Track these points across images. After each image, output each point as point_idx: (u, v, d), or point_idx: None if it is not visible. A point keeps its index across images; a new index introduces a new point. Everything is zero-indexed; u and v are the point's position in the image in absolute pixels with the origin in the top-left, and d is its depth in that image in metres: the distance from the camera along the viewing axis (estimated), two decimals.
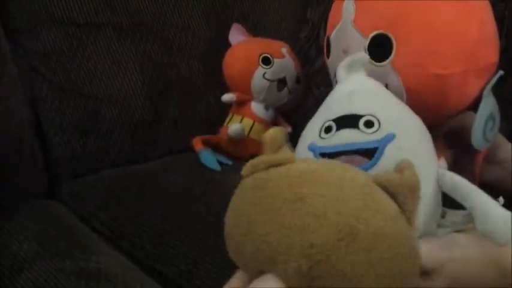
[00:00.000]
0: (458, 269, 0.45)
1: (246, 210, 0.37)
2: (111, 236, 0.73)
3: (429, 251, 0.44)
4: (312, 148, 0.47)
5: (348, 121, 0.46)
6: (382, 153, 0.44)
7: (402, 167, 0.39)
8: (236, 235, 0.38)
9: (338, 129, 0.46)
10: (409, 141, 0.46)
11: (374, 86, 0.51)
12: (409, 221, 0.38)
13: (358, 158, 0.44)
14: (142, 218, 0.74)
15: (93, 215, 0.76)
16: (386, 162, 0.44)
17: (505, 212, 0.43)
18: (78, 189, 0.82)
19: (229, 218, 0.39)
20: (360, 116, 0.46)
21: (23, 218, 0.73)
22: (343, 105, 0.48)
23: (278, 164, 0.39)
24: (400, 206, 0.37)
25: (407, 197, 0.38)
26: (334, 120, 0.47)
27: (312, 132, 0.49)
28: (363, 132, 0.45)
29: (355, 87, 0.49)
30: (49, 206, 0.79)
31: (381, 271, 0.35)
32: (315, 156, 0.46)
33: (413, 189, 0.38)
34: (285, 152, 0.40)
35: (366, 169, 0.43)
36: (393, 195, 0.38)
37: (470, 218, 0.45)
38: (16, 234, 0.69)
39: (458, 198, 0.45)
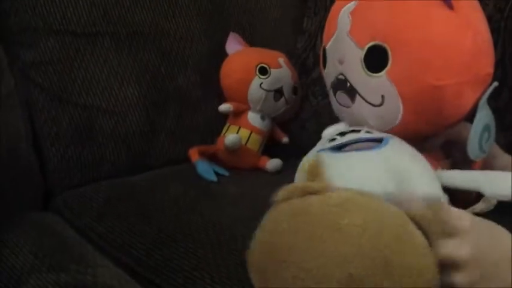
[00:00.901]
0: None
1: (284, 237, 0.37)
2: (107, 247, 0.72)
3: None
4: (321, 151, 0.50)
5: (350, 131, 0.51)
6: (387, 142, 0.49)
7: (434, 206, 0.41)
8: (270, 262, 0.38)
9: (344, 135, 0.51)
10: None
11: None
12: (435, 256, 0.40)
13: (369, 143, 0.49)
14: (139, 229, 0.73)
15: (89, 227, 0.76)
16: (392, 148, 0.49)
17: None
18: (74, 201, 0.82)
19: (263, 244, 0.39)
20: (359, 130, 0.51)
21: (19, 230, 0.72)
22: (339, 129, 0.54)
23: (315, 192, 0.39)
24: (428, 240, 0.40)
25: (436, 234, 0.40)
26: (337, 135, 0.52)
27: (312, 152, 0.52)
28: (367, 133, 0.51)
29: None
30: (45, 217, 0.79)
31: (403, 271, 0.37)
32: (325, 152, 0.49)
33: (443, 226, 0.40)
34: (322, 180, 0.41)
35: (379, 148, 0.48)
36: (423, 230, 0.40)
37: None
38: (12, 247, 0.68)
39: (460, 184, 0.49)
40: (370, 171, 0.45)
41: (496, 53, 0.75)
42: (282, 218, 0.39)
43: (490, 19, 0.76)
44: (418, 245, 0.39)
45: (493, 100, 0.58)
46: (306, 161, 0.42)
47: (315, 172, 0.41)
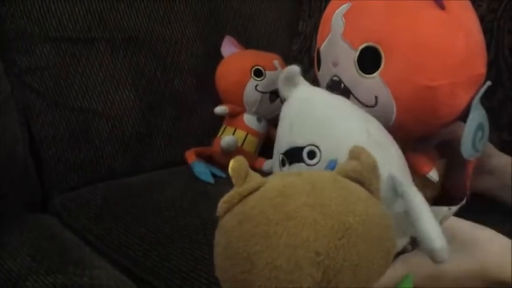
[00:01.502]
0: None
1: (241, 247, 0.37)
2: (104, 249, 0.73)
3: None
4: None
5: (293, 154, 0.52)
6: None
7: (356, 153, 0.42)
8: (238, 274, 0.37)
9: (289, 163, 0.52)
10: None
11: (315, 104, 0.53)
12: (377, 197, 0.41)
13: None
14: (136, 231, 0.73)
15: (86, 229, 0.76)
16: None
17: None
18: (71, 203, 0.82)
19: (224, 260, 0.39)
20: (302, 148, 0.51)
21: (16, 232, 0.73)
22: (287, 137, 0.53)
23: (251, 192, 0.39)
24: (367, 188, 0.41)
25: (372, 178, 0.41)
26: (284, 154, 0.53)
27: (275, 165, 0.55)
28: (308, 165, 0.50)
29: (295, 113, 0.54)
30: (42, 219, 0.79)
31: (379, 247, 0.38)
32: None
33: (374, 169, 0.41)
34: (253, 178, 0.40)
35: None
36: (359, 181, 0.41)
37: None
38: (9, 249, 0.69)
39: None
40: None
41: (489, 53, 0.76)
42: (230, 230, 0.38)
43: (483, 19, 0.77)
44: (361, 197, 0.40)
45: (487, 100, 0.59)
46: (230, 168, 0.40)
47: (241, 176, 0.40)
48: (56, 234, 0.75)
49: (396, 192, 0.48)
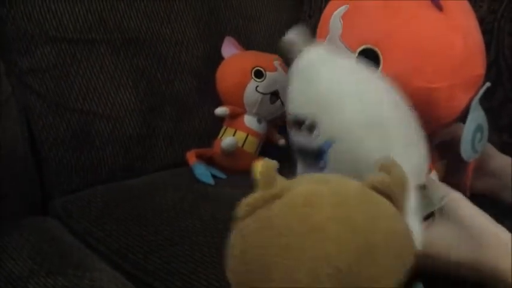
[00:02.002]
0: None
1: (260, 254, 0.36)
2: (105, 251, 0.73)
3: None
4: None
5: (296, 123, 0.51)
6: (323, 159, 0.48)
7: (388, 166, 0.41)
8: (253, 281, 0.37)
9: (295, 128, 0.51)
10: (348, 142, 0.48)
11: (321, 72, 0.51)
12: (402, 212, 0.41)
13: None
14: (137, 233, 0.74)
15: (87, 231, 0.76)
16: (335, 164, 0.48)
17: None
18: (72, 205, 0.82)
19: (239, 264, 0.38)
20: (303, 121, 0.50)
21: (17, 235, 0.73)
22: (293, 105, 0.52)
23: (275, 197, 0.38)
24: (393, 203, 0.40)
25: (400, 194, 0.40)
26: (291, 119, 0.52)
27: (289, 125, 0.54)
28: (308, 137, 0.49)
29: (301, 81, 0.51)
30: (43, 222, 0.79)
31: (398, 263, 0.38)
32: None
33: (403, 184, 0.40)
34: (280, 182, 0.39)
35: (321, 169, 0.48)
36: (386, 194, 0.40)
37: None
38: (10, 251, 0.69)
39: None
40: None
41: (489, 54, 0.76)
42: (249, 235, 0.37)
43: (483, 20, 0.77)
44: (388, 212, 0.39)
45: (487, 101, 0.59)
46: (257, 171, 0.39)
47: (269, 180, 0.38)
48: (56, 236, 0.75)
49: None
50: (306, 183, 0.40)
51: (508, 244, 0.48)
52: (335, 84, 0.49)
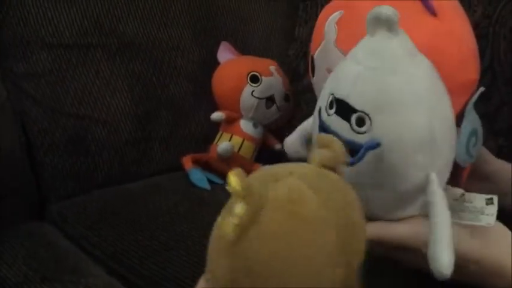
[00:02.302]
0: None
1: (268, 268, 0.36)
2: (100, 256, 0.73)
3: None
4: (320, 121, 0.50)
5: (343, 110, 0.47)
6: (361, 158, 0.46)
7: (327, 141, 0.42)
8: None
9: (336, 112, 0.47)
10: (394, 153, 0.46)
11: (389, 65, 0.47)
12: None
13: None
14: (132, 238, 0.73)
15: (82, 236, 0.76)
16: (365, 165, 0.46)
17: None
18: (68, 210, 0.82)
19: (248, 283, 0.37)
20: (355, 111, 0.46)
21: (12, 240, 0.73)
22: (346, 87, 0.47)
23: (260, 207, 0.37)
24: (338, 173, 0.42)
25: (342, 165, 0.42)
26: (336, 100, 0.48)
27: (322, 97, 0.51)
28: (352, 130, 0.46)
29: (365, 67, 0.47)
30: (39, 227, 0.79)
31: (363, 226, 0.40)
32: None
33: (344, 156, 0.42)
34: (254, 190, 0.37)
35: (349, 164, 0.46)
36: (332, 169, 0.41)
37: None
38: (5, 257, 0.69)
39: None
40: None
41: (485, 59, 0.76)
42: (253, 254, 0.37)
43: (478, 25, 0.77)
44: (347, 186, 0.41)
45: (482, 105, 0.59)
46: (232, 186, 0.36)
47: (248, 191, 0.36)
48: (52, 241, 0.75)
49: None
50: (273, 180, 0.40)
51: (509, 241, 0.49)
52: (409, 90, 0.46)
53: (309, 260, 0.36)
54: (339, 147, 0.41)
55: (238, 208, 0.36)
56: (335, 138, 0.42)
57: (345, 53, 0.55)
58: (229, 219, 0.36)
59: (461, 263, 0.48)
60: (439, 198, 0.47)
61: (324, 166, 0.41)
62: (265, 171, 0.42)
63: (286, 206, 0.37)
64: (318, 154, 0.41)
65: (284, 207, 0.37)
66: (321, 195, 0.38)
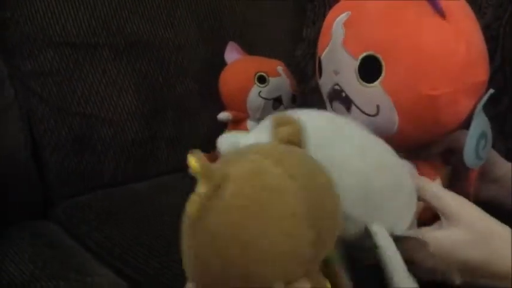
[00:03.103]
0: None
1: (232, 236, 0.37)
2: (106, 256, 0.73)
3: None
4: None
5: None
6: None
7: (285, 120, 0.43)
8: (233, 268, 0.37)
9: None
10: None
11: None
12: None
13: None
14: (138, 238, 0.74)
15: (88, 235, 0.76)
16: None
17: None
18: (73, 210, 0.82)
19: (213, 262, 0.38)
20: None
21: (18, 239, 0.73)
22: None
23: (220, 185, 0.38)
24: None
25: (303, 139, 0.43)
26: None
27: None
28: None
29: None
30: (44, 226, 0.80)
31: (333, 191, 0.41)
32: None
33: (303, 130, 0.43)
34: (216, 170, 0.39)
35: None
36: (296, 143, 0.42)
37: None
38: (11, 256, 0.69)
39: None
40: None
41: (495, 60, 0.75)
42: (215, 226, 0.37)
43: (488, 27, 0.77)
44: (309, 157, 0.42)
45: (492, 107, 0.58)
46: (191, 165, 0.38)
47: (207, 169, 0.38)
48: (57, 240, 0.75)
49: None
50: (235, 159, 0.41)
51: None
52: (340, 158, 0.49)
53: (271, 226, 0.36)
54: (297, 123, 0.42)
55: (199, 187, 0.38)
56: (291, 116, 0.43)
57: (352, 54, 0.55)
58: (191, 198, 0.38)
59: (470, 272, 0.48)
60: (386, 245, 0.48)
61: (288, 142, 0.42)
62: (228, 153, 0.44)
63: (248, 179, 0.38)
64: (279, 131, 0.42)
65: (246, 180, 0.38)
66: (283, 166, 0.39)
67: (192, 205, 0.38)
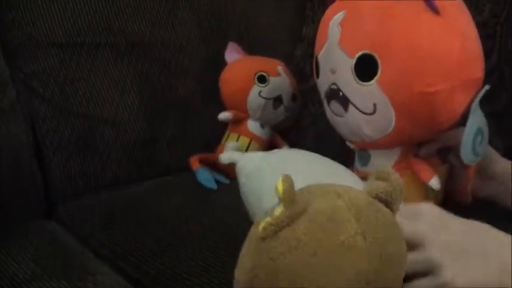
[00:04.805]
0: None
1: (292, 276, 0.37)
2: (108, 255, 0.73)
3: None
4: None
5: None
6: None
7: (386, 174, 0.42)
8: None
9: None
10: None
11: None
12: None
13: None
14: (140, 238, 0.74)
15: (90, 235, 0.76)
16: None
17: None
18: (76, 210, 0.83)
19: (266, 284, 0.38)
20: None
21: (21, 239, 0.73)
22: None
23: (299, 215, 0.38)
24: (391, 209, 0.41)
25: (398, 200, 0.42)
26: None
27: None
28: None
29: None
30: (47, 226, 0.80)
31: (403, 269, 0.41)
32: None
33: (402, 191, 0.42)
34: (300, 200, 0.39)
35: None
36: (386, 202, 0.41)
37: None
38: (14, 255, 0.69)
39: None
40: None
41: (492, 57, 0.76)
42: (281, 258, 0.37)
43: (486, 24, 0.77)
44: (393, 221, 0.41)
45: (490, 104, 0.59)
46: (278, 186, 0.38)
47: (291, 197, 0.38)
48: (59, 240, 0.75)
49: None
50: (321, 197, 0.40)
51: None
52: None
53: (327, 281, 0.36)
54: (396, 180, 0.41)
55: (277, 210, 0.38)
56: (393, 171, 0.42)
57: (348, 53, 0.56)
58: (265, 219, 0.38)
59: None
60: None
61: (377, 197, 0.41)
62: (318, 185, 0.43)
63: (324, 222, 0.38)
64: (374, 184, 0.42)
65: (321, 223, 0.37)
66: (362, 223, 0.38)
67: (261, 225, 0.38)
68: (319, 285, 0.36)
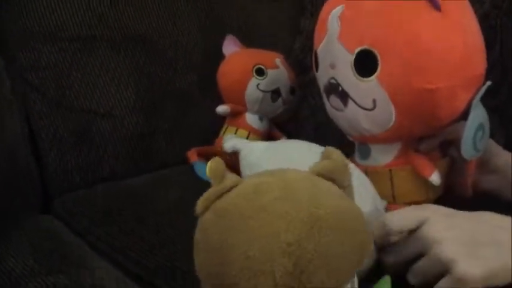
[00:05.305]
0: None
1: (217, 241, 0.39)
2: (106, 249, 0.73)
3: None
4: None
5: None
6: None
7: (328, 152, 0.43)
8: (214, 266, 0.39)
9: None
10: None
11: None
12: (350, 193, 0.43)
13: None
14: (138, 231, 0.74)
15: (87, 230, 0.76)
16: None
17: None
18: (73, 204, 0.83)
19: (202, 255, 0.41)
20: None
21: (18, 234, 0.73)
22: None
23: (228, 190, 0.41)
24: (338, 185, 0.42)
25: (343, 175, 0.43)
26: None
27: None
28: None
29: None
30: (44, 220, 0.80)
31: (351, 239, 0.39)
32: None
33: (345, 167, 0.43)
34: (230, 178, 0.42)
35: None
36: (331, 179, 0.42)
37: None
38: (11, 250, 0.69)
39: None
40: None
41: (494, 50, 0.75)
42: (209, 226, 0.41)
43: (487, 16, 0.76)
44: (333, 193, 0.41)
45: (492, 98, 0.58)
46: (208, 168, 0.43)
47: (219, 175, 0.42)
48: (57, 235, 0.75)
49: None
50: (254, 176, 0.44)
51: None
52: None
53: (249, 244, 0.38)
54: (338, 157, 0.43)
55: (210, 188, 0.42)
56: (336, 150, 0.43)
57: (347, 48, 0.55)
58: (201, 197, 0.42)
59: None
60: None
61: (319, 175, 0.42)
62: (261, 172, 0.46)
63: (249, 193, 0.40)
64: (317, 163, 0.43)
65: (246, 194, 0.40)
66: (287, 190, 0.40)
67: (198, 203, 0.42)
68: (240, 246, 0.38)
